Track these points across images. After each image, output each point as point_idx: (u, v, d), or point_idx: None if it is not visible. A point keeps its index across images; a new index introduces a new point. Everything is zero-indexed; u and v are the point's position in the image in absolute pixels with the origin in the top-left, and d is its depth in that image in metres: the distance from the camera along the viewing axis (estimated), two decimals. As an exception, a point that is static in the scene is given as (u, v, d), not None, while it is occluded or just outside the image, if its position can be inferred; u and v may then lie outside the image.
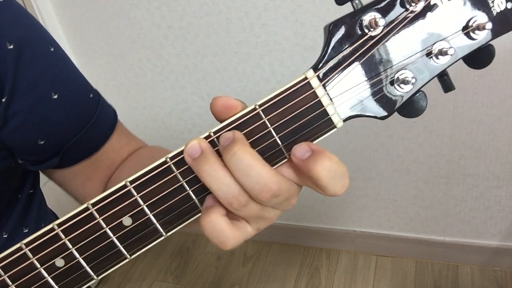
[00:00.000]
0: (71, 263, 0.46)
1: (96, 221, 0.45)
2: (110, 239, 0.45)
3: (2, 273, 0.46)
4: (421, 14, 0.42)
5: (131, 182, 0.44)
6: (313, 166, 0.41)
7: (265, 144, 0.44)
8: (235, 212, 0.43)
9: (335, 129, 0.44)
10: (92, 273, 0.47)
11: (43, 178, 0.81)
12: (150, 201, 0.44)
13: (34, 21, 0.64)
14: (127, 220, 0.45)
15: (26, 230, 0.75)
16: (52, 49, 0.64)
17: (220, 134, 0.43)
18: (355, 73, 0.43)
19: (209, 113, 1.51)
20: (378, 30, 0.42)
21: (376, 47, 0.43)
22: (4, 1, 0.59)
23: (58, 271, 0.46)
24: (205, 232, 0.44)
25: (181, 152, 0.43)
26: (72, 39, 1.95)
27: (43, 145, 0.65)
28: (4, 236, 0.71)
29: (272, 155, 0.44)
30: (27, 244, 0.45)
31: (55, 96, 0.63)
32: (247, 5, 1.61)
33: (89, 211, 0.44)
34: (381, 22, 0.41)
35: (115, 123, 0.74)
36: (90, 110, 0.69)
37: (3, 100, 0.59)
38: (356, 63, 0.43)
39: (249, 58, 1.74)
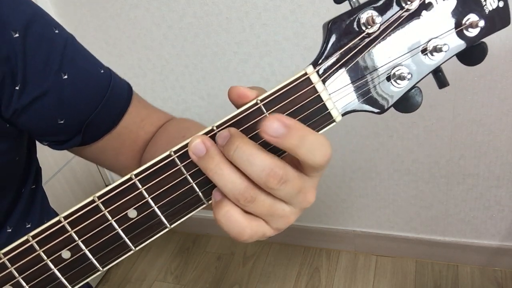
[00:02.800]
0: (77, 255, 0.47)
1: (102, 213, 0.46)
2: (116, 231, 0.46)
3: (9, 265, 0.47)
4: (417, 12, 0.44)
5: (136, 175, 0.45)
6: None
7: None
8: (244, 207, 0.44)
9: (334, 123, 0.45)
10: (98, 265, 0.48)
11: (43, 177, 0.83)
12: (155, 194, 0.45)
13: (35, 6, 0.65)
14: (132, 213, 0.46)
15: (29, 225, 0.76)
16: (56, 31, 0.65)
17: (223, 128, 0.44)
18: (353, 69, 0.45)
19: (209, 113, 1.53)
20: (375, 28, 0.43)
21: (373, 44, 0.44)
22: None
23: (65, 263, 0.47)
24: (221, 226, 0.44)
25: (186, 146, 0.44)
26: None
27: (63, 124, 0.67)
28: (8, 230, 0.72)
29: (273, 149, 0.45)
30: (34, 236, 0.46)
31: (65, 77, 0.64)
32: (247, 5, 1.62)
33: (95, 204, 0.45)
34: (378, 20, 0.42)
35: (131, 95, 0.75)
36: (103, 85, 0.70)
37: (17, 88, 0.61)
38: (354, 60, 0.44)
39: (249, 58, 1.74)
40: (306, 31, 1.60)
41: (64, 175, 2.14)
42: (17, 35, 0.59)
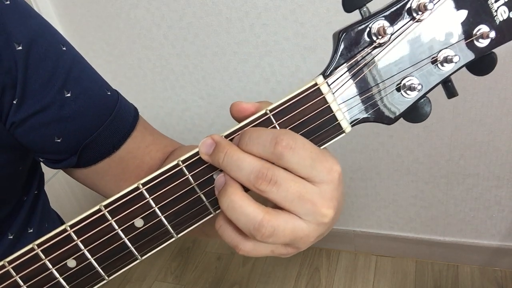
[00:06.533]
0: (83, 264, 0.47)
1: (108, 222, 0.45)
2: (122, 240, 0.46)
3: (14, 274, 0.47)
4: (427, 23, 0.43)
5: (144, 184, 0.45)
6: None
7: None
8: (268, 194, 0.42)
9: (344, 134, 0.45)
10: (103, 274, 0.48)
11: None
12: (162, 203, 0.45)
13: (43, 22, 0.64)
14: (139, 222, 0.46)
15: (31, 231, 0.76)
16: (64, 48, 0.64)
17: (232, 139, 0.44)
18: (363, 79, 0.44)
19: (209, 113, 1.53)
20: (386, 38, 0.43)
21: (384, 54, 0.44)
22: (11, 3, 0.59)
23: (70, 271, 0.47)
24: (220, 235, 0.44)
25: (193, 155, 0.44)
26: (72, 39, 1.95)
27: (60, 143, 0.65)
28: (9, 237, 0.72)
29: None
30: (39, 245, 0.46)
31: (68, 95, 0.63)
32: (247, 5, 1.61)
33: (101, 213, 0.45)
34: (389, 30, 0.42)
35: (136, 120, 0.72)
36: (107, 108, 0.68)
37: (14, 102, 0.60)
38: (364, 70, 0.44)
39: (249, 58, 1.74)
40: (306, 31, 1.60)
41: (64, 176, 2.13)
42: (20, 47, 0.58)
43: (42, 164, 0.79)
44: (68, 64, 0.64)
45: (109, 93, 0.69)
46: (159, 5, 1.73)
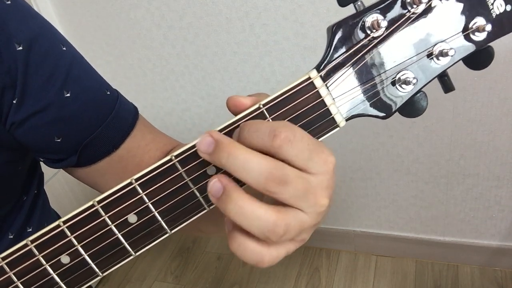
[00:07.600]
0: (77, 260, 0.47)
1: (101, 218, 0.45)
2: (116, 236, 0.46)
3: (8, 270, 0.47)
4: (422, 16, 0.43)
5: (137, 179, 0.44)
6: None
7: None
8: (277, 195, 0.40)
9: (338, 128, 0.45)
10: (97, 270, 0.48)
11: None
12: (155, 199, 0.45)
13: (43, 22, 0.64)
14: (132, 218, 0.45)
15: (30, 229, 0.76)
16: (64, 48, 0.64)
17: (227, 131, 0.44)
18: (357, 73, 0.44)
19: (209, 113, 1.53)
20: (380, 31, 0.43)
21: (378, 48, 0.44)
22: (11, 3, 0.59)
23: (64, 268, 0.47)
24: (238, 257, 0.42)
25: (186, 150, 0.44)
26: (72, 39, 1.95)
27: (60, 143, 0.65)
28: (10, 237, 0.72)
29: None
30: (32, 241, 0.46)
31: (68, 95, 0.63)
32: (247, 5, 1.61)
33: (94, 208, 0.45)
34: (383, 23, 0.42)
35: (136, 119, 0.72)
36: (107, 107, 0.68)
37: (14, 102, 0.60)
38: (358, 64, 0.44)
39: (249, 58, 1.74)
40: (306, 31, 1.60)
41: (64, 175, 2.13)
42: (20, 48, 0.58)
43: (42, 163, 0.79)
44: (68, 64, 0.64)
45: (108, 92, 0.69)
46: (159, 5, 1.73)
